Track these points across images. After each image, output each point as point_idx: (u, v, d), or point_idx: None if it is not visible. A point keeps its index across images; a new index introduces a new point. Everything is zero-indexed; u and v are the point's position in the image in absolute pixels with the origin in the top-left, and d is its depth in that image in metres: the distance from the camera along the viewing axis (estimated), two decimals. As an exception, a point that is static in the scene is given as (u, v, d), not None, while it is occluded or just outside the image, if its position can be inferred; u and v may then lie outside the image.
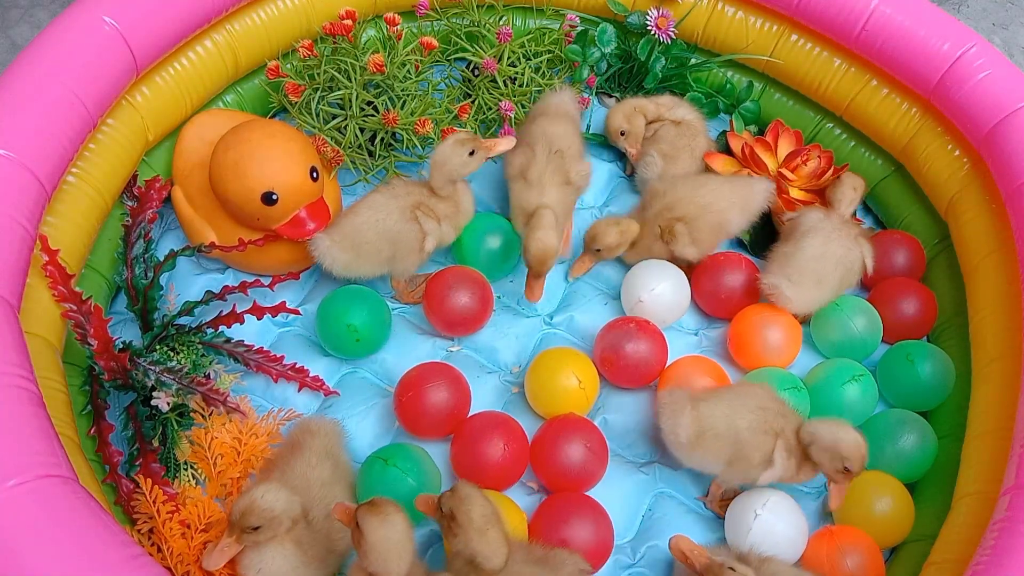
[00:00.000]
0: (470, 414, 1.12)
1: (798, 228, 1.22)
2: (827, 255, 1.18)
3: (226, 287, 1.15)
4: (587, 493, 1.09)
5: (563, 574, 0.90)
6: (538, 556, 0.91)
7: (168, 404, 1.03)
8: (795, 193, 1.32)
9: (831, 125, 1.42)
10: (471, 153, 1.16)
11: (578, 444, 1.05)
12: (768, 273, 1.19)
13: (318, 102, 1.29)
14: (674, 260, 1.25)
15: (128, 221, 1.18)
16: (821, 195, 1.32)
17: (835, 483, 1.01)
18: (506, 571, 0.87)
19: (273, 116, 1.38)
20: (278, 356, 1.14)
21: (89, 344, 0.99)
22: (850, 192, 1.24)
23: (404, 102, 1.29)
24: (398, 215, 1.16)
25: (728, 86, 1.45)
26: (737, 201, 1.25)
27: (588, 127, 1.44)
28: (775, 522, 1.01)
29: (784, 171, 1.32)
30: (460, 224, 1.23)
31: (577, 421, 1.09)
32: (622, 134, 1.35)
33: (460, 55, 1.40)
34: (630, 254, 1.27)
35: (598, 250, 1.22)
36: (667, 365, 1.17)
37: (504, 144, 1.19)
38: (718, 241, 1.27)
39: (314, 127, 1.29)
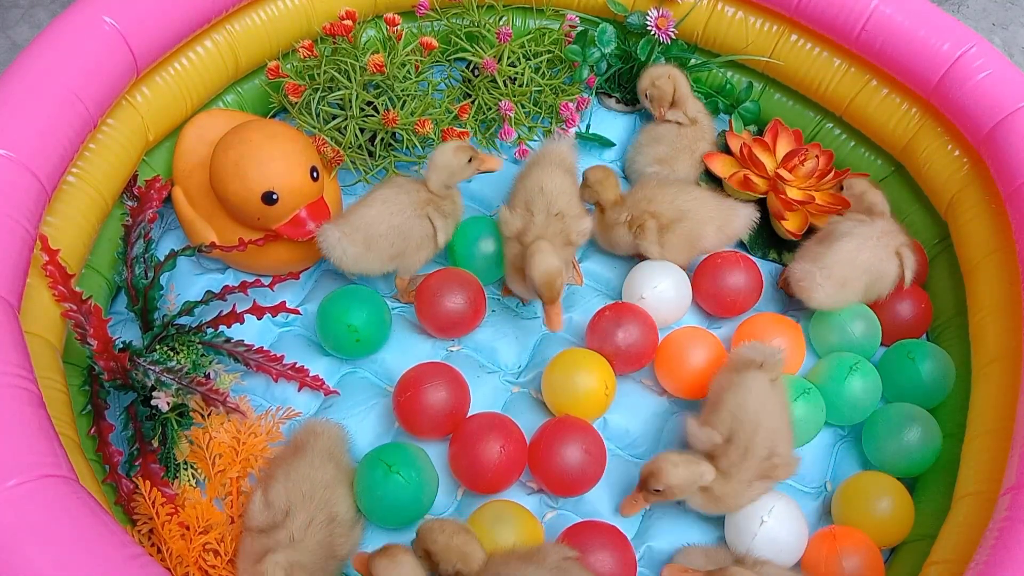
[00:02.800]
0: (469, 414, 1.12)
1: (833, 232, 1.22)
2: (856, 261, 1.17)
3: (226, 287, 1.16)
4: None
5: (549, 564, 0.90)
6: (522, 553, 0.91)
7: (168, 404, 1.03)
8: (792, 193, 1.31)
9: (831, 125, 1.42)
10: (468, 160, 1.17)
11: (575, 446, 1.05)
12: (800, 261, 1.20)
13: (318, 102, 1.29)
14: (638, 256, 1.27)
15: (128, 221, 1.18)
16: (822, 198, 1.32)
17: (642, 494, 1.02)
18: (491, 572, 0.88)
19: (273, 116, 1.38)
20: (278, 356, 1.14)
21: (89, 344, 0.99)
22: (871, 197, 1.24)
23: (404, 102, 1.29)
24: (410, 210, 1.17)
25: (728, 86, 1.44)
26: (716, 218, 1.24)
27: (588, 127, 1.44)
28: (779, 529, 1.01)
29: (781, 171, 1.32)
30: (457, 222, 1.24)
31: (575, 423, 1.08)
32: (647, 96, 1.37)
33: (460, 55, 1.40)
34: (601, 239, 1.28)
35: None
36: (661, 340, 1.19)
37: (492, 163, 1.19)
38: (688, 254, 1.25)
39: (314, 127, 1.29)
